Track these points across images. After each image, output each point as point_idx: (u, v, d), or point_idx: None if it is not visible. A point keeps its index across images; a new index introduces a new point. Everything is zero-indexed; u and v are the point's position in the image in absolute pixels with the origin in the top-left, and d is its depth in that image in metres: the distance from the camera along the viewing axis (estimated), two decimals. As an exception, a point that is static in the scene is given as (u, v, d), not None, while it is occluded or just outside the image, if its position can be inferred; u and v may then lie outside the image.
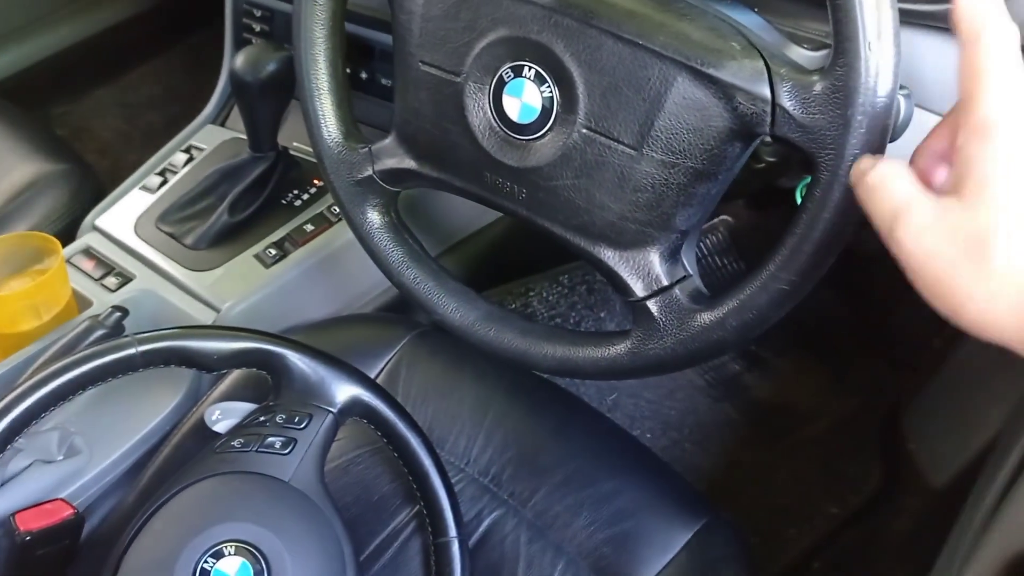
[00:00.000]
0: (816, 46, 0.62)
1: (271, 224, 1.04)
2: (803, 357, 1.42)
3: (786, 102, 0.57)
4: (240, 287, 0.99)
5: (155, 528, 0.67)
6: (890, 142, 0.56)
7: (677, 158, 0.62)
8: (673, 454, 1.31)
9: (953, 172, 0.47)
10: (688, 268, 0.67)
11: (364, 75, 1.09)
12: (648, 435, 1.33)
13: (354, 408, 0.74)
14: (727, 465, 1.31)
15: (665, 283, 0.66)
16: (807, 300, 0.62)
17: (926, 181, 0.51)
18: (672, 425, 1.34)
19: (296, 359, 0.73)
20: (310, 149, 0.82)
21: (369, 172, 0.77)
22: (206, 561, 0.63)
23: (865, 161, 0.53)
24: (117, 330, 0.85)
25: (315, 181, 1.08)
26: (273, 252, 1.01)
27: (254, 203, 1.03)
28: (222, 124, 1.19)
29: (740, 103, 0.58)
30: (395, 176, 0.76)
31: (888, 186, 0.49)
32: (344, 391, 0.74)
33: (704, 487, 1.27)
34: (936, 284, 0.46)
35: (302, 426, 0.71)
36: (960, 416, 1.10)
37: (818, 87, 0.55)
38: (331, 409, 0.73)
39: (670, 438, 1.32)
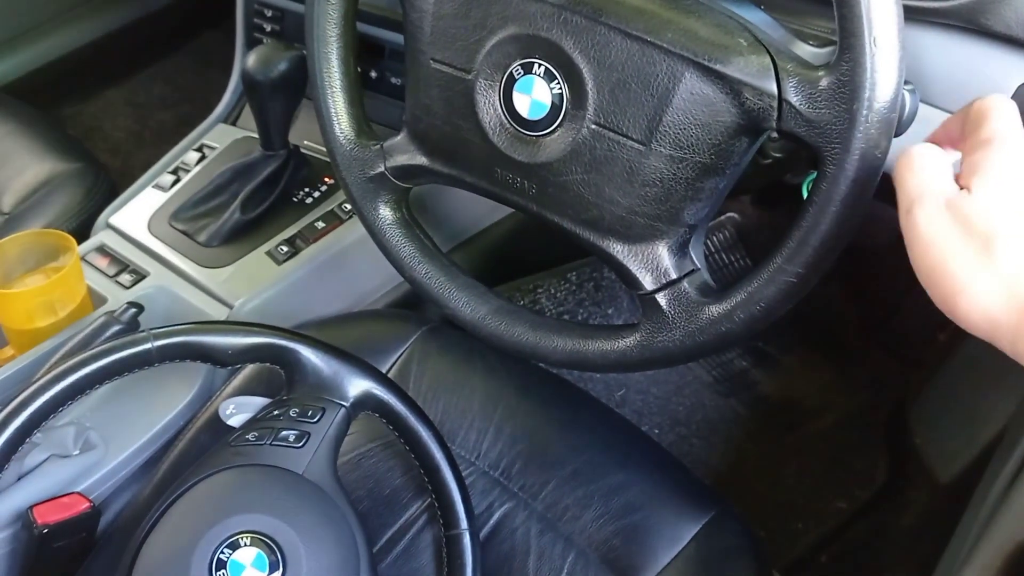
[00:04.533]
0: (822, 43, 0.63)
1: (283, 221, 1.05)
2: (809, 353, 1.42)
3: (792, 97, 0.57)
4: (252, 283, 0.99)
5: (171, 520, 0.67)
6: (895, 137, 0.57)
7: (685, 153, 0.62)
8: (681, 449, 1.31)
9: (965, 171, 0.50)
10: (696, 262, 0.67)
11: (374, 74, 1.09)
12: (656, 430, 1.33)
13: (366, 402, 0.75)
14: (734, 460, 1.31)
15: (674, 276, 0.67)
16: (813, 296, 0.62)
17: None
18: (680, 420, 1.34)
19: (309, 354, 0.73)
20: (321, 147, 0.82)
21: (381, 169, 0.77)
22: (222, 552, 0.64)
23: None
24: (132, 326, 0.86)
25: (326, 179, 1.08)
26: (285, 249, 1.02)
27: (266, 201, 1.04)
28: (233, 123, 1.20)
29: (747, 98, 0.59)
30: (407, 172, 0.77)
31: (921, 164, 0.50)
32: (356, 385, 0.74)
33: (712, 482, 1.27)
34: (935, 270, 0.48)
35: (315, 420, 0.71)
36: (966, 411, 1.10)
37: (824, 82, 0.56)
38: (343, 403, 0.73)
39: (678, 433, 1.33)
